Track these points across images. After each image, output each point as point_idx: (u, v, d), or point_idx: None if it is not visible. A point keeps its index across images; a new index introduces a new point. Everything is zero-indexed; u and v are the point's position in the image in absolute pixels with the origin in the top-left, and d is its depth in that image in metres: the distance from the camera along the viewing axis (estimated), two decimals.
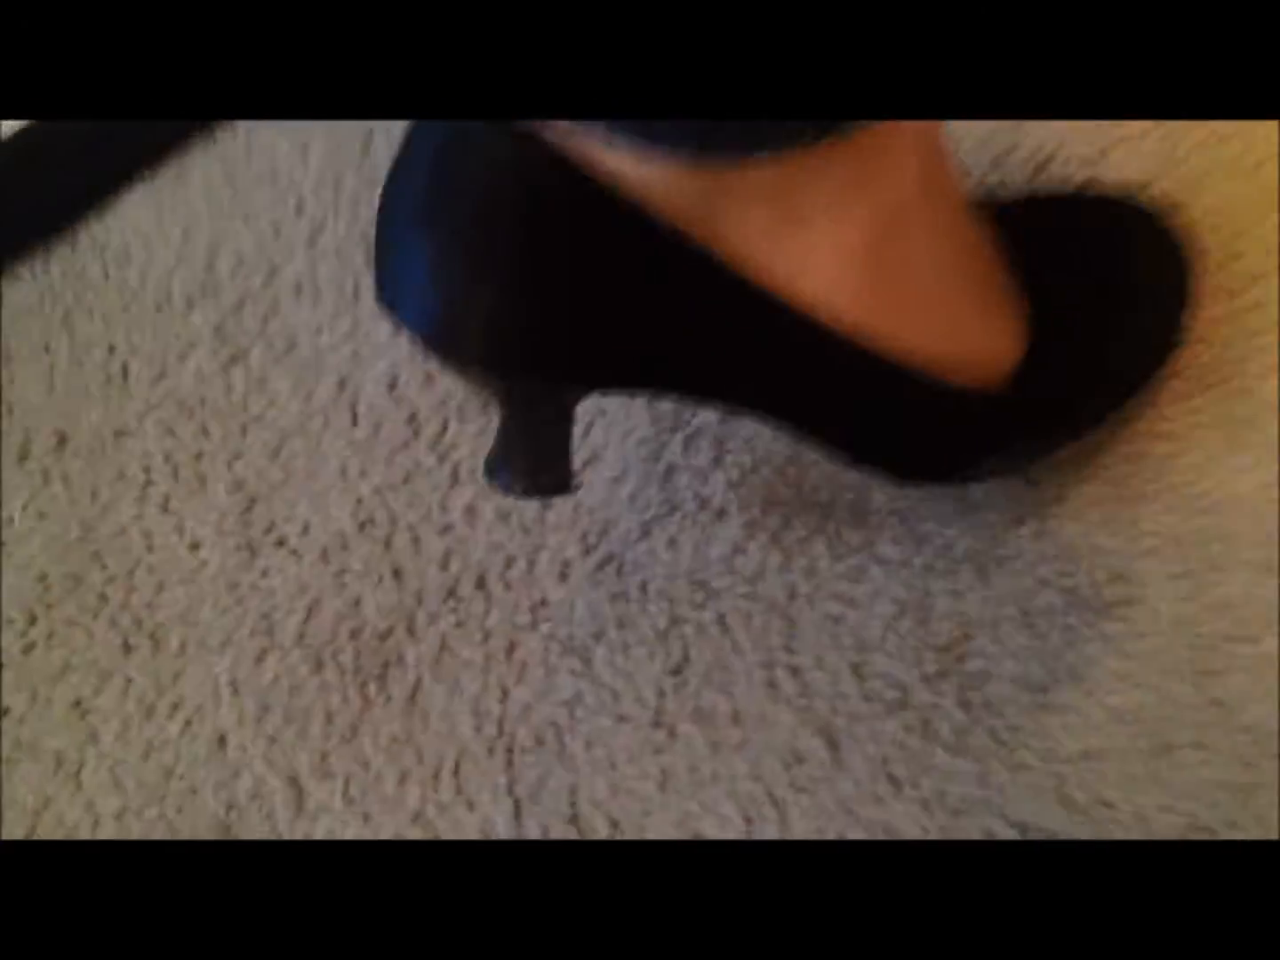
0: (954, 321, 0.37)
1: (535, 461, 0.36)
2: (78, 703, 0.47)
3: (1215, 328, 0.42)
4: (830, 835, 0.39)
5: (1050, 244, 0.42)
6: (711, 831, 0.40)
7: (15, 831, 0.45)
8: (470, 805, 0.42)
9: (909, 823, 0.39)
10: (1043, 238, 0.41)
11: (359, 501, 0.47)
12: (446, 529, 0.46)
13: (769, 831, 0.40)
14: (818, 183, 0.32)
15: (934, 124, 0.35)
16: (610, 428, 0.46)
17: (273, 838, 0.43)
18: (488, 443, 0.46)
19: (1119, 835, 0.37)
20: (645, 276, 0.32)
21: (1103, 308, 0.41)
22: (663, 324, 0.33)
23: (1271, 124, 0.44)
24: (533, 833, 0.41)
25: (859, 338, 0.34)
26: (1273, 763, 0.37)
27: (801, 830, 0.39)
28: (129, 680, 0.47)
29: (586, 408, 0.46)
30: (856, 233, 0.33)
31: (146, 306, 0.53)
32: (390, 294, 0.32)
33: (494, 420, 0.45)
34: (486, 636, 0.45)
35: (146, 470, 0.50)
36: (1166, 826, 0.37)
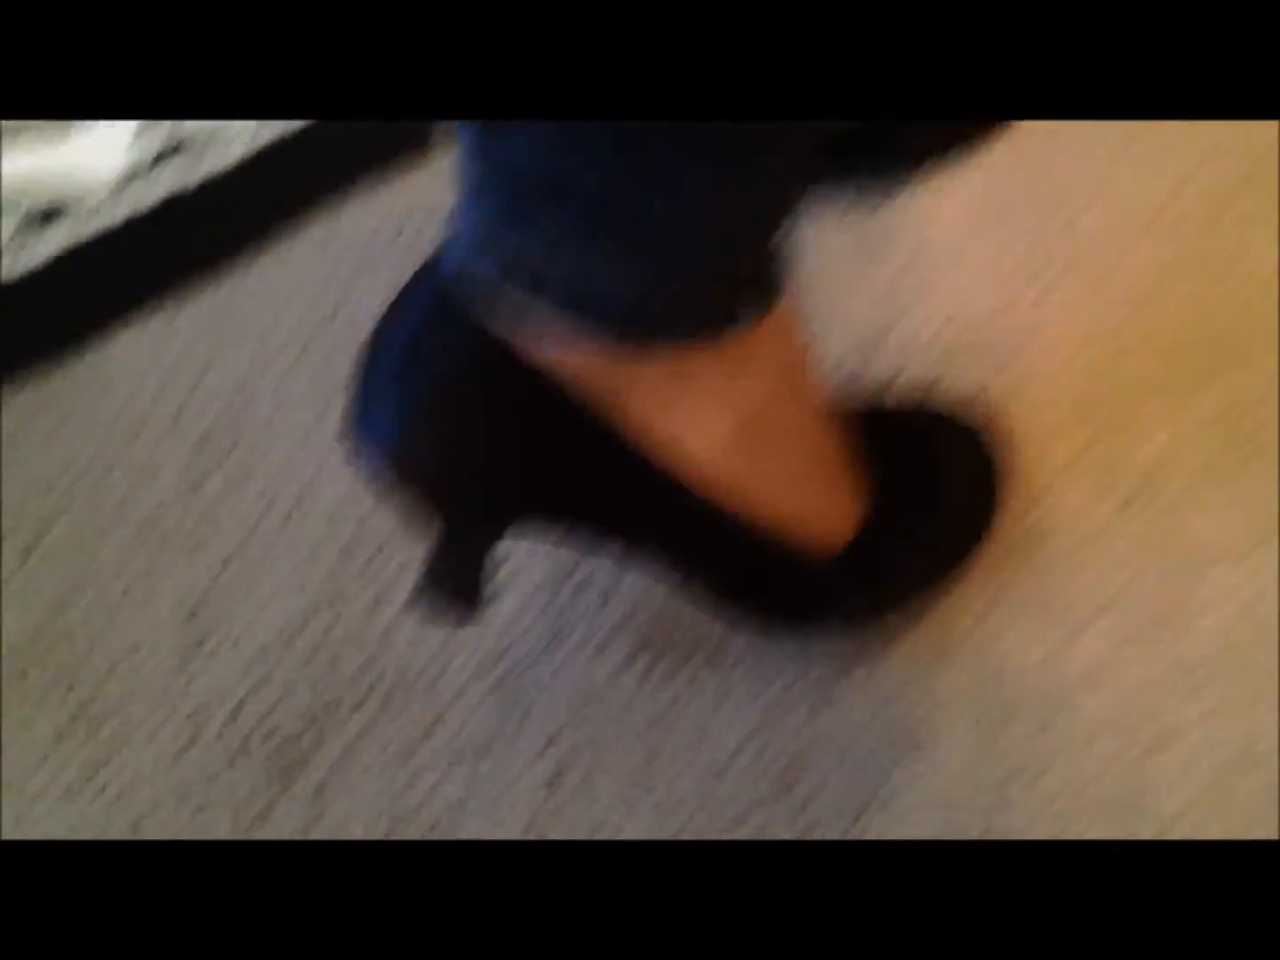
0: (802, 494, 0.45)
1: (454, 589, 0.44)
2: (10, 785, 0.52)
3: (1015, 525, 0.52)
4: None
5: (889, 446, 0.51)
6: None
7: None
8: None
9: None
10: (883, 440, 0.51)
11: (287, 619, 0.54)
12: (363, 648, 0.53)
13: None
14: (703, 374, 0.40)
15: (799, 335, 0.43)
16: (515, 574, 0.54)
17: None
18: (409, 575, 0.54)
19: None
20: (565, 436, 0.40)
21: (926, 501, 0.50)
22: (576, 474, 0.41)
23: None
24: None
25: (726, 500, 0.43)
26: None
27: None
28: (63, 764, 0.52)
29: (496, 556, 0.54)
30: (729, 415, 0.41)
31: (127, 429, 0.61)
32: (362, 428, 0.40)
33: (418, 555, 0.53)
34: (387, 745, 0.51)
35: (103, 580, 0.57)
36: None
